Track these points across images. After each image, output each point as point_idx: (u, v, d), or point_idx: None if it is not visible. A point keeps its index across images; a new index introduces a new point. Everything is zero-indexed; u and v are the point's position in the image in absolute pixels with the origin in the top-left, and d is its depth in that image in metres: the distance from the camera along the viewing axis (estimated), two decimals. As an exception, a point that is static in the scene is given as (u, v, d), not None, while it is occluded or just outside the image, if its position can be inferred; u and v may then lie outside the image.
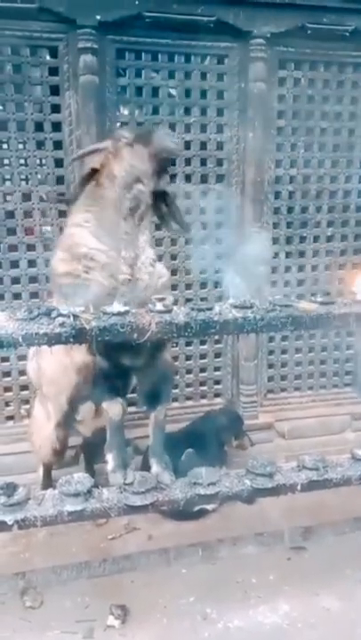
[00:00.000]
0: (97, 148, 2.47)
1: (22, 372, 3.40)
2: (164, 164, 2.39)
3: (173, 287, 3.53)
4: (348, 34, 3.28)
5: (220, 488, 2.26)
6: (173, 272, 3.45)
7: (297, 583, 2.71)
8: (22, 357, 3.34)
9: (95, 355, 2.38)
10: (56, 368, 2.62)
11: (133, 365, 2.51)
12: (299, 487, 2.33)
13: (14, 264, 3.32)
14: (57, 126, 3.18)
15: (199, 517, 2.98)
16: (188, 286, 3.60)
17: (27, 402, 3.45)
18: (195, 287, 3.61)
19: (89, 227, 2.35)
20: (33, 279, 3.35)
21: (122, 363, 2.42)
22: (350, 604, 2.59)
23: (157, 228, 3.35)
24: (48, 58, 3.13)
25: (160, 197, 2.46)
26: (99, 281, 2.31)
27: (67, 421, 2.80)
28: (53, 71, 3.10)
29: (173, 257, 3.51)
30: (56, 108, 3.15)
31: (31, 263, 3.33)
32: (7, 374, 3.45)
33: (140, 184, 2.31)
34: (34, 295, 3.36)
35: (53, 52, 3.10)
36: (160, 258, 3.13)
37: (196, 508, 2.84)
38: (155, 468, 2.53)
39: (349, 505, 3.07)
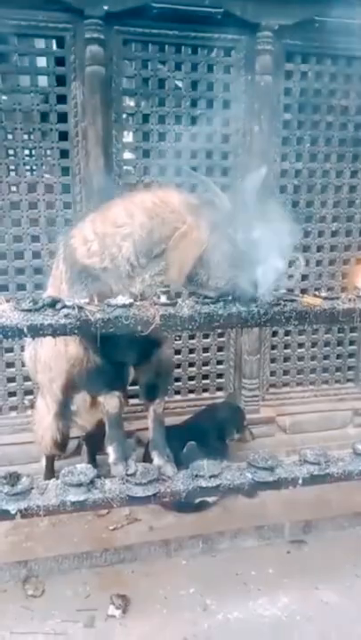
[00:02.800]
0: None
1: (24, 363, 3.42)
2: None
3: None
4: (356, 27, 3.25)
5: (221, 481, 2.27)
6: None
7: (296, 576, 2.73)
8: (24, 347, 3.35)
9: (88, 350, 2.37)
10: (50, 354, 2.63)
11: (127, 362, 2.52)
12: (300, 481, 2.34)
13: (19, 255, 3.33)
14: (63, 117, 3.17)
15: (200, 510, 3.00)
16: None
17: (30, 392, 3.47)
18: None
19: (135, 237, 2.28)
20: (38, 270, 3.36)
21: (120, 353, 2.41)
22: (349, 599, 2.61)
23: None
24: (55, 48, 3.12)
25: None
26: (108, 284, 2.31)
27: (64, 412, 2.81)
28: (60, 61, 3.09)
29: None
30: (62, 99, 3.14)
31: (35, 255, 3.34)
32: (11, 365, 3.46)
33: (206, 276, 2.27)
34: (38, 287, 3.36)
35: (60, 42, 3.09)
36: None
37: (197, 501, 2.87)
38: (156, 460, 2.54)
39: (350, 500, 3.08)
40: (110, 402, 2.51)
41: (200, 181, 2.51)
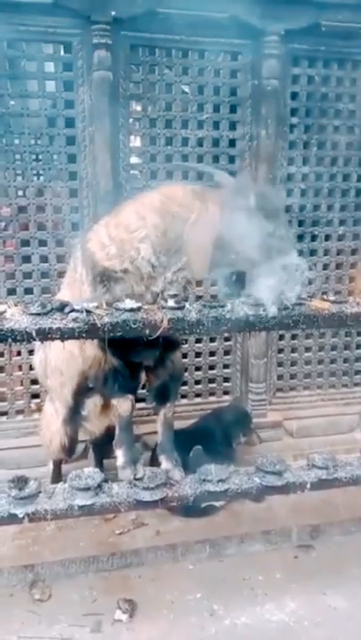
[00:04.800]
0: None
1: (33, 367, 3.42)
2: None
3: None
4: (361, 31, 3.26)
5: (229, 485, 2.26)
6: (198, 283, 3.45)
7: (304, 581, 2.71)
8: (33, 351, 3.36)
9: (105, 351, 2.38)
10: (61, 358, 2.64)
11: (145, 363, 2.52)
12: (308, 486, 2.33)
13: (26, 259, 3.34)
14: (70, 122, 3.19)
15: (207, 514, 2.99)
16: (199, 283, 3.60)
17: (37, 396, 3.47)
18: (205, 284, 3.62)
19: (152, 238, 2.29)
20: (45, 274, 3.37)
21: (133, 360, 2.42)
22: (357, 604, 2.59)
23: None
24: (62, 53, 3.14)
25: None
26: (130, 285, 2.32)
27: (73, 417, 2.81)
28: (67, 67, 3.11)
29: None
30: (70, 104, 3.16)
31: (43, 259, 3.35)
32: (18, 368, 3.46)
33: (233, 255, 2.27)
34: (45, 290, 3.37)
35: (68, 48, 3.10)
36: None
37: (204, 505, 2.87)
38: (164, 464, 2.54)
39: (357, 504, 3.06)
40: (123, 405, 2.52)
41: (193, 169, 2.52)
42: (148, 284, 2.33)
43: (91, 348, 2.43)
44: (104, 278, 2.32)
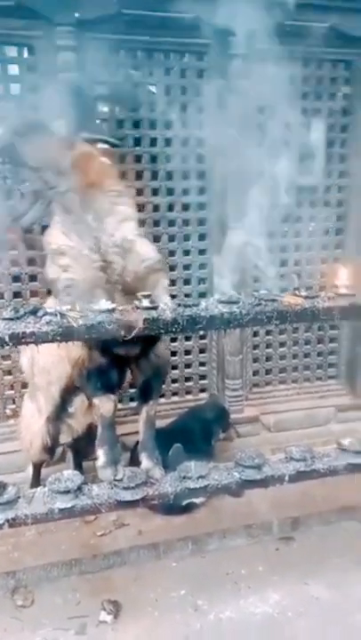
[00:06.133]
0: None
1: (8, 372, 3.39)
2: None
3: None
4: (324, 31, 3.31)
5: (209, 481, 2.28)
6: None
7: (286, 573, 2.75)
8: (7, 357, 3.33)
9: (91, 348, 2.38)
10: (49, 358, 2.63)
11: (130, 355, 2.51)
12: (287, 478, 2.36)
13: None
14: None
15: (188, 511, 3.01)
16: (173, 283, 3.62)
17: (13, 401, 3.44)
18: (178, 284, 3.63)
19: (59, 226, 2.41)
20: (16, 278, 3.34)
21: (118, 354, 2.42)
22: (339, 593, 2.64)
23: (141, 225, 3.36)
24: (26, 55, 3.11)
25: None
26: (79, 276, 2.33)
27: (58, 415, 2.81)
28: (32, 68, 3.08)
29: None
30: (35, 107, 3.12)
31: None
32: (-8, 374, 3.43)
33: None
34: (17, 295, 3.34)
35: (31, 50, 3.08)
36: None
37: (185, 502, 2.88)
38: (145, 463, 2.55)
39: (336, 495, 3.12)
40: (106, 405, 2.52)
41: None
42: (85, 264, 2.37)
43: (76, 350, 2.43)
44: (64, 293, 2.36)
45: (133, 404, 3.16)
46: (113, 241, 2.35)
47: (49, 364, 2.67)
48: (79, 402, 2.76)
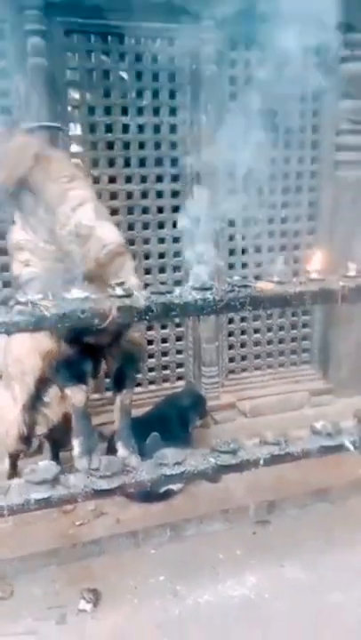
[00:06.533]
0: None
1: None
2: None
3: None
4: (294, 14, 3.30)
5: (185, 467, 2.29)
6: (133, 257, 3.44)
7: (263, 556, 2.80)
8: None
9: (59, 340, 2.37)
10: (22, 349, 2.61)
11: (100, 344, 2.50)
12: (261, 462, 2.39)
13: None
14: (6, 111, 3.10)
15: (166, 498, 3.03)
16: (148, 271, 3.61)
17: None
18: (153, 272, 3.62)
19: (18, 222, 2.41)
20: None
21: (88, 344, 2.40)
22: (313, 574, 2.70)
23: (114, 213, 3.34)
24: (-6, 40, 3.05)
25: None
26: (40, 268, 2.31)
27: (33, 405, 2.79)
28: (1, 54, 3.01)
29: (131, 242, 3.49)
30: (5, 93, 3.07)
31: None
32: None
33: None
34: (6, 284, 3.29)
35: (0, 35, 3.01)
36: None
37: (163, 489, 2.90)
38: (121, 451, 2.55)
39: (310, 478, 3.17)
40: (77, 395, 2.51)
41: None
42: (43, 256, 2.39)
43: (45, 341, 2.41)
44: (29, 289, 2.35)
45: (110, 394, 3.14)
46: (67, 230, 2.31)
47: (22, 355, 2.65)
48: (54, 391, 2.74)
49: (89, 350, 2.49)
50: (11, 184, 2.33)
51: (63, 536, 2.82)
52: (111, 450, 2.79)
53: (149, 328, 3.69)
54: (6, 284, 3.28)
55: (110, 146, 3.35)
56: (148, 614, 2.47)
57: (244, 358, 4.00)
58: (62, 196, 2.33)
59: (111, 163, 3.38)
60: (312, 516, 3.10)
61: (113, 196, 3.42)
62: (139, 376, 3.67)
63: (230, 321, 3.88)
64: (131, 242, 3.49)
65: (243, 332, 3.96)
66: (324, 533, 2.95)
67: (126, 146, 3.37)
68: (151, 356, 3.76)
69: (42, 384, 2.74)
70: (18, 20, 2.92)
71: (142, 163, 3.43)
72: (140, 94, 3.33)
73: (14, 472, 3.03)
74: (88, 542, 2.80)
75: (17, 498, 2.12)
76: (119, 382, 2.66)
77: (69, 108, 3.24)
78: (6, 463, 3.07)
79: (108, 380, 3.36)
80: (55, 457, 3.13)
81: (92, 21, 3.07)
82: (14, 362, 2.74)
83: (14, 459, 3.07)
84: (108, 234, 2.41)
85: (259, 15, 3.21)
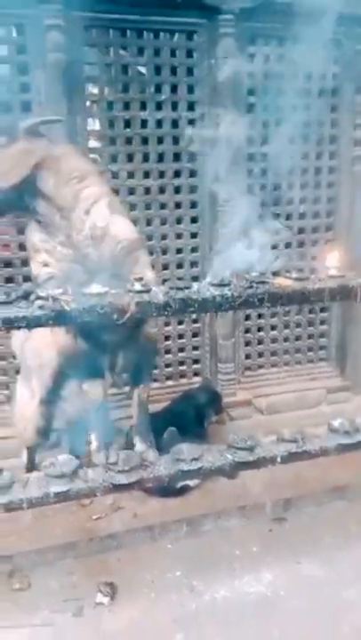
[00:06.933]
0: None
1: (1, 358, 3.38)
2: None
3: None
4: (315, 8, 3.27)
5: (202, 463, 2.29)
6: (150, 252, 3.44)
7: (279, 553, 2.78)
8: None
9: (74, 336, 2.38)
10: (41, 340, 2.62)
11: (113, 341, 2.51)
12: (279, 459, 2.38)
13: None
14: (26, 105, 3.12)
15: (183, 494, 3.03)
16: (165, 267, 3.61)
17: (6, 387, 3.43)
18: (171, 267, 3.62)
19: (34, 224, 2.42)
20: (7, 264, 3.31)
21: (102, 340, 2.41)
22: (331, 571, 2.68)
23: (132, 208, 3.34)
24: (15, 35, 3.06)
25: None
26: (58, 269, 2.32)
27: (51, 398, 2.80)
28: (21, 49, 3.03)
29: (149, 237, 3.49)
30: (25, 87, 3.09)
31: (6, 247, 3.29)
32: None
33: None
34: (8, 280, 3.31)
35: (20, 30, 3.02)
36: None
37: (180, 485, 2.90)
38: (139, 446, 2.56)
39: (327, 476, 3.15)
40: (94, 390, 2.52)
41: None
42: (59, 257, 2.41)
43: (61, 337, 2.43)
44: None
45: (127, 388, 3.15)
46: (84, 235, 2.32)
47: (41, 346, 2.66)
48: (72, 385, 2.75)
49: (105, 345, 2.50)
50: (14, 190, 2.34)
51: (81, 529, 2.84)
52: (129, 445, 2.80)
53: (166, 324, 3.69)
54: (26, 279, 3.30)
55: (129, 141, 3.35)
56: (165, 609, 2.47)
57: (260, 355, 3.99)
58: (75, 198, 2.35)
59: (130, 158, 3.38)
60: (329, 513, 3.08)
61: (131, 191, 3.42)
62: (155, 371, 3.69)
63: (247, 317, 3.87)
64: (148, 237, 3.50)
65: (260, 329, 3.94)
66: (341, 531, 2.93)
67: (145, 141, 3.37)
68: (168, 352, 3.77)
69: (59, 377, 2.75)
70: (37, 15, 2.93)
71: (160, 158, 3.43)
72: (158, 89, 3.32)
73: (32, 465, 3.05)
74: (105, 536, 2.81)
75: (36, 491, 2.14)
76: (136, 377, 2.66)
77: (88, 103, 3.25)
78: (24, 457, 3.10)
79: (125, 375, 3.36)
80: (73, 450, 3.15)
81: (111, 16, 3.07)
82: (33, 354, 2.75)
83: (32, 452, 3.09)
84: (123, 230, 2.43)
85: (277, 9, 3.21)
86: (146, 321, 2.55)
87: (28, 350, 2.78)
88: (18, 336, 2.87)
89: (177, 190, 3.52)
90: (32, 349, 2.74)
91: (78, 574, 2.67)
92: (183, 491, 3.02)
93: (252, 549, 2.83)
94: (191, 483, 2.99)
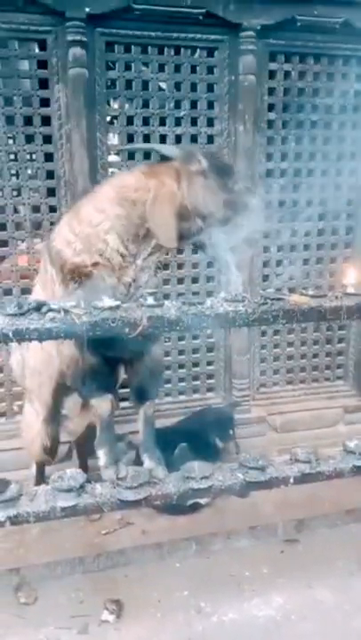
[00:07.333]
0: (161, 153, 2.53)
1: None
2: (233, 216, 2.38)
3: (165, 282, 3.54)
4: (337, 26, 3.27)
5: (213, 482, 2.25)
6: (165, 266, 3.44)
7: (290, 576, 2.73)
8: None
9: (83, 349, 2.36)
10: (39, 359, 2.62)
11: (122, 358, 2.50)
12: (291, 480, 2.33)
13: (3, 260, 3.31)
14: (46, 120, 3.15)
15: (193, 511, 2.99)
16: (180, 281, 3.60)
17: (19, 398, 3.43)
18: (186, 282, 3.61)
19: (117, 228, 2.33)
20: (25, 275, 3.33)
21: (110, 356, 2.40)
22: (343, 596, 2.61)
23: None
24: (37, 51, 3.10)
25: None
26: (103, 278, 2.32)
27: (54, 417, 2.79)
28: (42, 64, 3.07)
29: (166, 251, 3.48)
30: (45, 102, 3.12)
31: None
32: (-1, 370, 3.43)
33: (200, 221, 2.36)
34: (25, 291, 3.33)
35: (42, 45, 3.07)
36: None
37: (190, 503, 2.86)
38: (147, 463, 2.53)
39: (341, 497, 3.09)
40: (102, 405, 2.50)
41: (140, 149, 2.57)
42: (120, 274, 2.37)
43: (68, 348, 2.41)
44: (75, 275, 2.34)
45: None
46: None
47: (39, 364, 2.65)
48: (71, 403, 2.73)
49: (114, 360, 2.49)
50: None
51: (89, 545, 2.82)
52: (139, 460, 2.77)
53: (181, 338, 3.67)
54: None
55: (147, 156, 3.36)
56: (171, 629, 2.43)
57: (276, 372, 3.94)
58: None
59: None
60: (343, 536, 3.01)
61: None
62: (168, 385, 3.67)
63: (263, 333, 3.83)
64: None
65: (276, 346, 3.90)
66: (355, 554, 2.86)
67: (163, 157, 3.37)
68: (182, 367, 3.74)
69: (59, 395, 2.74)
70: (60, 31, 2.97)
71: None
72: (178, 105, 3.34)
73: (41, 479, 3.04)
74: (113, 552, 2.79)
75: (43, 505, 2.11)
76: (142, 394, 2.64)
77: (108, 118, 3.27)
78: (33, 469, 3.09)
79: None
80: (84, 464, 3.14)
81: (133, 32, 3.10)
82: (31, 373, 2.76)
83: (41, 467, 3.09)
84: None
85: (299, 26, 3.22)
86: (155, 340, 2.54)
87: (27, 370, 2.78)
88: (15, 355, 2.88)
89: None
90: (31, 368, 2.74)
91: (85, 590, 2.65)
92: (193, 508, 2.98)
93: (262, 571, 2.77)
94: (202, 500, 2.95)
